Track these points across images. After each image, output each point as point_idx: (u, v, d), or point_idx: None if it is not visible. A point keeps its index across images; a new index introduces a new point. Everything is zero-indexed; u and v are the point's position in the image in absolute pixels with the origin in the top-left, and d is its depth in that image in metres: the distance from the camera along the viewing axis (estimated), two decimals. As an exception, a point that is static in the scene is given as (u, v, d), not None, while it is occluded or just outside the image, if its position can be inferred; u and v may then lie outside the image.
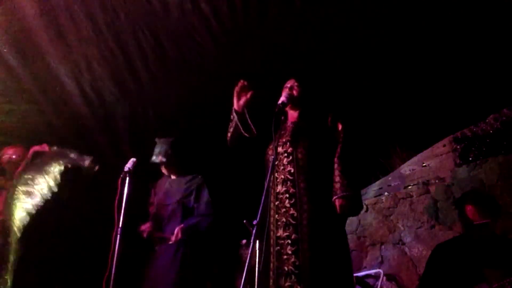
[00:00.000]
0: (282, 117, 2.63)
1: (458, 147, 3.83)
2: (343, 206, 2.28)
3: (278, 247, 2.27)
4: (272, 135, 2.28)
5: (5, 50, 3.54)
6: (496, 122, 3.68)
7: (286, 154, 2.46)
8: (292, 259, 2.21)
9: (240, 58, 3.97)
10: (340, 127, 2.49)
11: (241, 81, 2.59)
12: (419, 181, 3.97)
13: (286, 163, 2.44)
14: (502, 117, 3.66)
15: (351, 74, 4.08)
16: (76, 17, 3.50)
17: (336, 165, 2.36)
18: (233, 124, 2.61)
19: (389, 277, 3.70)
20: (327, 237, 2.25)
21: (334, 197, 2.30)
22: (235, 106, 2.60)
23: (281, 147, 2.50)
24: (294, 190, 2.35)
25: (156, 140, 3.47)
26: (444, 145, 3.96)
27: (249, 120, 2.59)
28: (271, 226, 2.36)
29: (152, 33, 3.68)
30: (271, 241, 2.32)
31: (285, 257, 2.24)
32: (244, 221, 2.61)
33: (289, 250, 2.24)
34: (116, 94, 4.11)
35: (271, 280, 2.23)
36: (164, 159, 3.36)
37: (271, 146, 2.59)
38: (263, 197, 2.12)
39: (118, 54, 3.81)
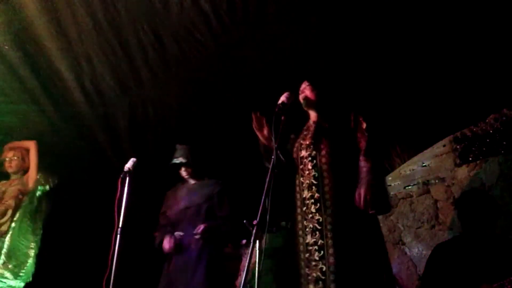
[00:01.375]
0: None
1: (458, 147, 3.83)
2: (366, 196, 2.19)
3: (308, 254, 2.27)
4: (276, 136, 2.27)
5: (6, 47, 3.53)
6: (496, 122, 3.68)
7: (310, 158, 2.44)
8: (320, 265, 2.21)
9: (241, 56, 3.96)
10: (364, 125, 2.44)
11: (253, 115, 2.51)
12: (419, 181, 3.97)
13: (310, 167, 2.42)
14: (502, 117, 3.66)
15: (351, 74, 4.07)
16: (77, 14, 3.49)
17: (362, 162, 2.31)
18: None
19: (389, 277, 3.70)
20: (354, 241, 2.22)
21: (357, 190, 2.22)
22: (264, 142, 2.51)
23: (304, 151, 2.49)
24: (318, 195, 2.34)
25: (177, 146, 3.50)
26: (444, 145, 3.95)
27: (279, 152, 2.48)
28: (300, 232, 2.35)
29: (153, 29, 3.67)
30: (301, 247, 2.31)
31: (313, 263, 2.24)
32: (244, 221, 2.61)
33: (316, 256, 2.23)
34: (117, 91, 4.11)
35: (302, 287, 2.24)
36: (185, 160, 3.37)
37: (296, 144, 2.58)
38: (263, 197, 2.12)
39: (119, 51, 3.80)
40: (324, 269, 2.17)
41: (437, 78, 4.06)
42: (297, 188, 2.42)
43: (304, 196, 2.38)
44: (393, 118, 4.17)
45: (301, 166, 2.44)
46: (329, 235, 2.23)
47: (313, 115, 2.63)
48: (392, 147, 4.33)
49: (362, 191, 2.19)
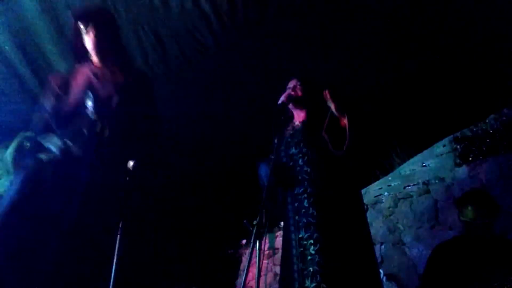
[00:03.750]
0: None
1: (458, 147, 3.83)
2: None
3: (302, 249, 2.26)
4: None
5: (6, 48, 3.53)
6: (496, 122, 3.68)
7: (301, 155, 2.45)
8: (317, 259, 2.20)
9: (241, 56, 3.97)
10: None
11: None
12: (419, 181, 3.97)
13: (302, 163, 2.43)
14: (502, 117, 3.66)
15: (351, 74, 4.08)
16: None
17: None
18: None
19: (389, 277, 3.70)
20: (346, 234, 2.24)
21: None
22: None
23: (294, 148, 2.49)
24: (311, 190, 2.34)
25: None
26: (444, 145, 3.96)
27: None
28: (291, 228, 2.35)
29: (153, 29, 3.68)
30: (293, 243, 2.31)
31: (309, 257, 2.23)
32: (244, 221, 2.61)
33: (312, 250, 2.23)
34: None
35: (296, 283, 2.22)
36: None
37: (282, 148, 2.58)
38: (263, 197, 2.12)
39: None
40: (322, 262, 2.17)
41: (437, 78, 4.06)
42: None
43: (295, 192, 2.38)
44: (393, 118, 4.17)
45: (291, 163, 2.45)
46: (325, 229, 2.24)
47: (300, 114, 2.63)
48: (392, 147, 4.33)
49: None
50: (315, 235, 2.24)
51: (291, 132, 2.56)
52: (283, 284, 2.28)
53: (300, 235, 2.29)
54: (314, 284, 2.15)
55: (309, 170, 2.39)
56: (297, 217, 2.34)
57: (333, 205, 2.29)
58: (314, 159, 2.40)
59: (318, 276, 2.15)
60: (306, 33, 3.82)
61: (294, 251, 2.28)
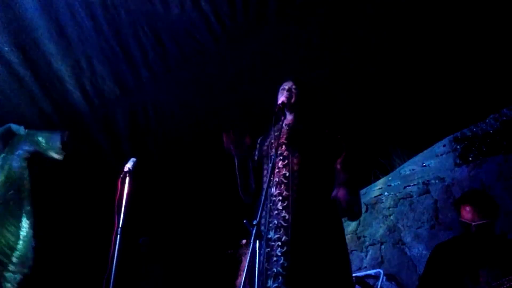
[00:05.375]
0: (282, 117, 2.62)
1: (458, 147, 3.83)
2: (347, 201, 2.23)
3: (268, 249, 2.27)
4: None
5: (5, 49, 3.53)
6: (496, 122, 3.68)
7: (281, 157, 2.46)
8: (281, 261, 2.21)
9: (240, 56, 3.97)
10: (338, 136, 2.49)
11: (225, 135, 2.53)
12: (419, 181, 3.97)
13: (281, 166, 2.44)
14: (502, 117, 3.66)
15: (351, 74, 4.08)
16: (77, 15, 3.49)
17: (340, 173, 2.35)
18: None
19: (389, 277, 3.71)
20: (319, 240, 2.25)
21: (338, 193, 2.27)
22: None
23: (275, 149, 2.50)
24: (287, 193, 2.35)
25: None
26: (444, 145, 3.96)
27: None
28: (262, 227, 2.35)
29: (153, 30, 3.68)
30: (261, 242, 2.32)
31: (274, 258, 2.24)
32: (244, 221, 2.61)
33: (278, 252, 2.24)
34: (117, 92, 4.11)
35: (259, 282, 2.22)
36: None
37: (266, 143, 2.59)
38: (263, 197, 2.12)
39: (119, 51, 3.81)
40: (286, 265, 2.19)
41: (437, 78, 4.06)
42: (264, 185, 2.44)
43: (271, 192, 2.39)
44: (393, 118, 4.17)
45: (271, 164, 2.46)
46: (295, 233, 2.25)
47: (288, 117, 2.63)
48: (392, 147, 4.33)
49: (342, 194, 2.24)
50: (284, 237, 2.26)
51: (276, 134, 2.56)
52: (247, 280, 2.28)
53: (269, 236, 2.30)
54: (275, 285, 2.17)
55: (287, 174, 2.40)
56: (269, 217, 2.35)
57: (307, 210, 2.30)
58: (293, 163, 2.41)
59: (280, 277, 2.17)
60: (306, 33, 3.82)
61: (262, 250, 2.29)
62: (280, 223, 2.30)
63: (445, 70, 3.97)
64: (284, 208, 2.32)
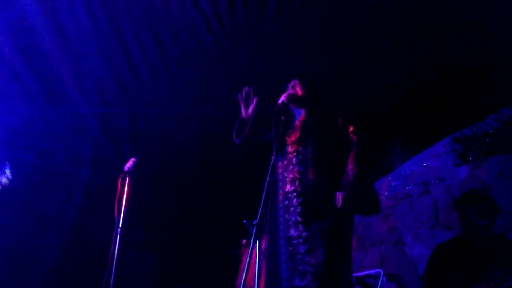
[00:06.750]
0: (283, 117, 2.62)
1: (458, 147, 3.83)
2: (344, 199, 2.23)
3: (291, 247, 2.26)
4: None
5: (6, 49, 3.53)
6: (496, 122, 3.68)
7: (295, 154, 2.46)
8: (306, 259, 2.20)
9: (240, 56, 3.97)
10: (351, 128, 2.47)
11: (246, 88, 2.58)
12: (419, 181, 3.97)
13: (295, 162, 2.43)
14: (502, 117, 3.66)
15: (351, 74, 4.07)
16: (77, 15, 3.49)
17: (350, 167, 2.34)
18: (242, 130, 2.60)
19: (389, 277, 3.70)
20: (331, 236, 2.24)
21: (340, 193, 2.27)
22: (243, 114, 2.60)
23: (290, 146, 2.50)
24: (302, 189, 2.35)
25: None
26: (444, 145, 3.95)
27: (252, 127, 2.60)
28: (281, 226, 2.35)
29: (153, 29, 3.68)
30: (282, 241, 2.31)
31: (298, 256, 2.22)
32: (244, 221, 2.61)
33: (302, 249, 2.23)
34: (117, 92, 4.11)
35: (285, 282, 2.21)
36: None
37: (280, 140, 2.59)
38: (263, 197, 2.12)
39: (119, 51, 3.81)
40: (312, 262, 2.17)
41: (437, 78, 4.06)
42: (280, 183, 2.43)
43: (286, 190, 2.39)
44: (393, 118, 4.17)
45: (285, 162, 2.46)
46: (313, 228, 2.24)
47: (300, 113, 2.63)
48: (392, 147, 4.33)
49: (341, 195, 2.24)
50: (303, 234, 2.25)
51: (290, 131, 2.56)
52: (269, 280, 2.27)
53: (290, 234, 2.29)
54: (304, 283, 2.15)
55: (301, 169, 2.39)
56: (286, 215, 2.34)
57: (320, 206, 2.29)
58: (308, 159, 2.41)
59: (309, 275, 2.15)
60: (305, 33, 3.82)
61: (283, 249, 2.28)
62: (297, 219, 2.29)
63: (446, 69, 3.97)
64: (299, 204, 2.32)
